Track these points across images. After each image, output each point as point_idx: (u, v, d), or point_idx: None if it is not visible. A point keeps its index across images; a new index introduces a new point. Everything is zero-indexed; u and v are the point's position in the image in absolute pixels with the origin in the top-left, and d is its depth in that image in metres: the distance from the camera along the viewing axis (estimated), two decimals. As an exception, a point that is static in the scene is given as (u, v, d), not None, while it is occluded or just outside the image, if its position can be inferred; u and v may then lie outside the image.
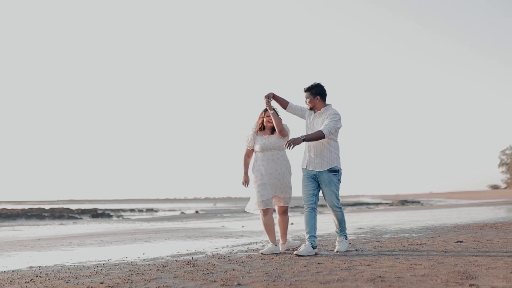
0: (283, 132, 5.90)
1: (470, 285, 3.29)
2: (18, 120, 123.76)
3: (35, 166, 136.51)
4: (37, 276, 4.51)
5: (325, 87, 5.78)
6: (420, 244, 6.03)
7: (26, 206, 44.81)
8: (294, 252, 5.45)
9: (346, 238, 5.74)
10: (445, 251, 5.21)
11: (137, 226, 18.23)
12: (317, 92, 5.71)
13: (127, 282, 3.92)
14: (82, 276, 4.40)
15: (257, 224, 13.71)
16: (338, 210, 5.65)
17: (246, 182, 6.00)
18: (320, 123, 5.64)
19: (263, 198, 5.77)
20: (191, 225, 16.14)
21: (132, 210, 40.66)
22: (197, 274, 4.22)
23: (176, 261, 5.31)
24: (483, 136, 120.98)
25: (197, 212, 35.92)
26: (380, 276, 3.73)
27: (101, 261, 5.61)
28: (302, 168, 5.78)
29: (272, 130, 5.99)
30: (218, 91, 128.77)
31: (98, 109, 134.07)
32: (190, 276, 4.15)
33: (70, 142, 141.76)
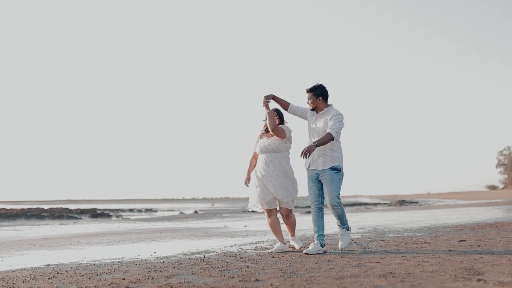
0: (277, 133, 5.95)
1: (478, 280, 3.47)
2: (16, 120, 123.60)
3: (32, 166, 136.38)
4: (57, 273, 4.67)
5: (327, 88, 5.91)
6: (424, 243, 6.21)
7: (24, 206, 44.87)
8: (304, 251, 5.61)
9: (348, 229, 5.80)
10: (450, 249, 5.39)
11: (139, 226, 18.37)
12: (319, 93, 5.82)
13: (148, 278, 4.08)
14: (102, 273, 4.56)
15: (259, 224, 13.88)
16: (338, 208, 5.65)
17: (247, 180, 6.19)
18: (322, 123, 5.76)
19: (260, 200, 5.98)
20: (193, 225, 16.29)
21: (131, 210, 40.79)
22: (214, 271, 4.38)
23: (189, 259, 5.47)
24: (481, 137, 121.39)
25: (196, 212, 36.06)
26: (390, 272, 3.91)
27: (115, 259, 5.77)
28: (306, 168, 5.93)
29: None
30: (215, 92, 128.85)
31: (94, 109, 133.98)
32: (207, 272, 4.32)
33: (68, 142, 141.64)
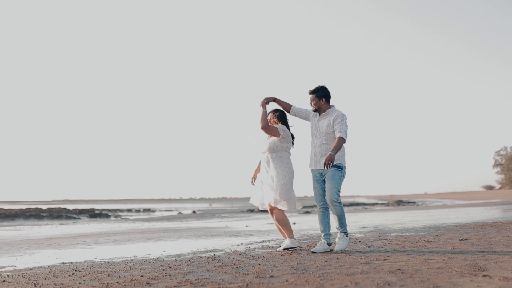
0: (267, 131, 6.04)
1: (483, 276, 3.65)
2: (12, 120, 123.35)
3: (28, 166, 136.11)
4: (75, 270, 4.82)
5: (329, 89, 6.01)
6: (427, 242, 6.39)
7: (22, 206, 44.86)
8: (311, 250, 5.78)
9: (346, 235, 5.77)
10: (453, 248, 5.58)
11: (140, 226, 18.49)
12: (322, 95, 5.95)
13: (165, 276, 4.24)
14: (119, 270, 4.72)
15: (260, 224, 14.05)
16: (337, 204, 5.72)
17: (253, 179, 6.37)
18: (326, 124, 5.90)
19: (260, 199, 6.13)
20: (194, 225, 16.43)
21: (129, 210, 40.90)
22: (227, 268, 4.55)
23: (200, 257, 5.63)
24: (479, 137, 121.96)
25: (194, 212, 36.17)
26: (399, 269, 4.08)
27: (127, 258, 5.92)
28: (310, 169, 6.09)
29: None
30: (212, 92, 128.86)
31: (90, 109, 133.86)
32: (222, 270, 4.48)
33: (65, 143, 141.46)
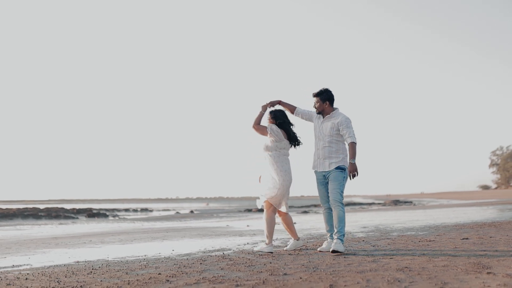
0: (257, 130, 6.17)
1: (488, 273, 3.85)
2: (8, 120, 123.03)
3: (24, 165, 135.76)
4: (92, 268, 4.99)
5: (333, 92, 6.12)
6: (429, 241, 6.59)
7: (18, 206, 44.90)
8: (318, 249, 5.95)
9: (342, 241, 5.66)
10: (455, 247, 5.78)
11: (140, 225, 18.62)
12: (326, 98, 6.08)
13: (182, 273, 4.41)
14: (135, 268, 4.88)
15: (261, 224, 14.22)
16: (340, 205, 5.75)
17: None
18: (329, 126, 6.04)
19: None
20: (195, 225, 16.58)
21: (126, 210, 41.01)
22: (240, 267, 4.72)
23: (210, 256, 5.80)
24: (476, 137, 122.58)
25: (192, 212, 36.31)
26: (406, 267, 4.28)
27: (138, 257, 6.08)
28: (314, 171, 6.26)
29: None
30: (209, 92, 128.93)
31: (86, 109, 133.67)
32: (235, 268, 4.66)
33: (61, 142, 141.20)
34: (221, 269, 4.64)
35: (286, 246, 6.52)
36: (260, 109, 6.30)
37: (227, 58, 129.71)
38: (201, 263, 5.10)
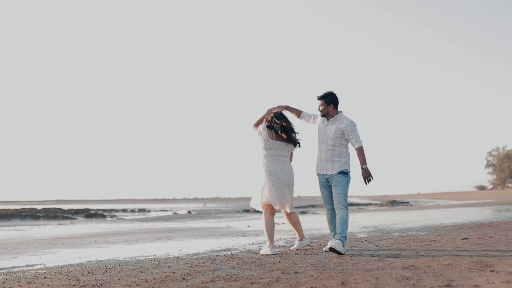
0: (253, 131, 6.34)
1: (491, 271, 4.03)
2: (5, 120, 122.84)
3: (20, 166, 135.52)
4: (106, 268, 5.14)
5: (337, 95, 6.20)
6: (431, 241, 6.76)
7: (15, 206, 44.86)
8: (323, 249, 6.11)
9: (343, 242, 5.66)
10: (457, 247, 5.96)
11: (140, 226, 18.74)
12: (330, 101, 6.17)
13: (196, 272, 4.57)
14: (148, 268, 5.04)
15: (261, 224, 14.36)
16: (343, 208, 5.82)
17: None
18: (333, 130, 6.16)
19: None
20: (195, 225, 16.72)
21: (124, 210, 41.11)
22: (251, 266, 4.88)
23: (219, 256, 5.96)
24: (472, 138, 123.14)
25: (189, 212, 36.42)
26: (412, 265, 4.45)
27: (148, 257, 6.23)
28: (317, 173, 6.40)
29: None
30: (206, 93, 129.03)
31: (84, 110, 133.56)
32: (246, 266, 4.82)
33: (58, 143, 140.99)
34: (233, 268, 4.79)
35: (292, 246, 6.68)
36: (265, 112, 6.43)
37: (226, 58, 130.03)
38: (211, 263, 5.25)
